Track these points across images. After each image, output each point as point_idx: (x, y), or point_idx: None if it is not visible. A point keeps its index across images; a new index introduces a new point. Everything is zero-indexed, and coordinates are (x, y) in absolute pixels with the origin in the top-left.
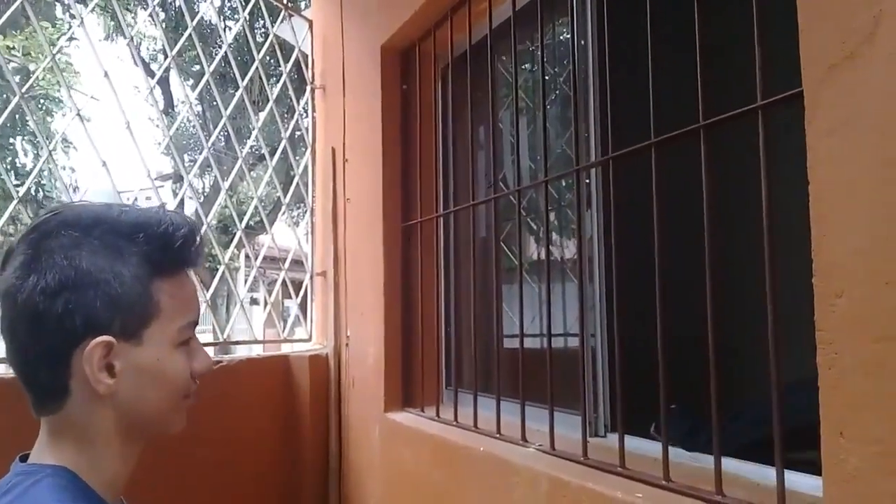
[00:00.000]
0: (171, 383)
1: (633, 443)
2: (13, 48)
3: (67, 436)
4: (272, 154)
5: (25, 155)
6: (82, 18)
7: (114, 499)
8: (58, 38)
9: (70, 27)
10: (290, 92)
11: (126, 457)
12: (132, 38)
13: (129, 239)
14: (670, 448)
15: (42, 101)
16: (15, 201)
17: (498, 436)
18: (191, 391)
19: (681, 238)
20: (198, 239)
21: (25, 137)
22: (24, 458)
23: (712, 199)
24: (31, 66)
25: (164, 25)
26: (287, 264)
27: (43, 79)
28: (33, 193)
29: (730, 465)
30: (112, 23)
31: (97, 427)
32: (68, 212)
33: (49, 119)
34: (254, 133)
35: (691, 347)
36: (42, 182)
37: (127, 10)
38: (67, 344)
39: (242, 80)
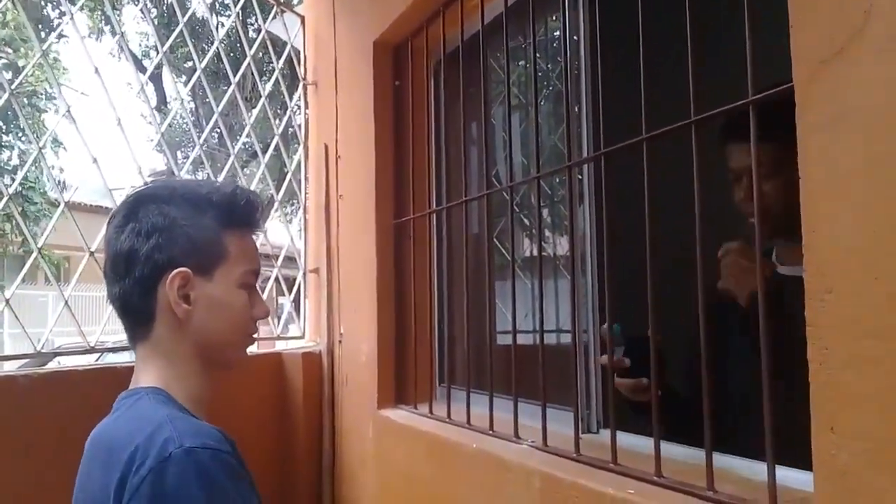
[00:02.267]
0: (234, 316)
1: (625, 439)
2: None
3: (155, 359)
4: (265, 151)
5: (13, 149)
6: (72, 15)
7: (199, 413)
8: (47, 35)
9: (59, 24)
10: (283, 88)
11: (206, 376)
12: (122, 34)
13: (206, 198)
14: (664, 443)
15: (31, 97)
16: (5, 198)
17: (491, 432)
18: (251, 332)
19: (673, 233)
20: (259, 206)
21: (15, 134)
22: None
23: (704, 193)
24: (20, 63)
25: (155, 21)
26: (280, 261)
27: (32, 75)
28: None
29: (721, 460)
30: (99, 17)
31: (178, 349)
32: (157, 182)
33: (38, 115)
34: (246, 129)
35: (683, 342)
36: (28, 177)
37: (114, 7)
38: (155, 273)
39: (235, 76)
